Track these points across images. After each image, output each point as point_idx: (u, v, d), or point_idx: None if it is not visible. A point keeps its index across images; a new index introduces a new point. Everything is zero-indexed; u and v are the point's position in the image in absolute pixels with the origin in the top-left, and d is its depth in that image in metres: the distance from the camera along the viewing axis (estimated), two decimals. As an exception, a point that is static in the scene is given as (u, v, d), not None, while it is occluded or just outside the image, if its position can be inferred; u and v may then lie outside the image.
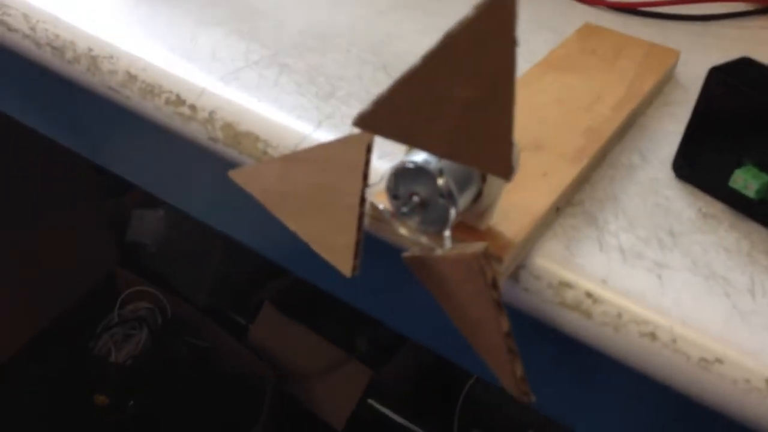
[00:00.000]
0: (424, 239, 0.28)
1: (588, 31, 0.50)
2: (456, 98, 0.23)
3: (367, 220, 0.30)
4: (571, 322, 0.32)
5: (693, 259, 0.33)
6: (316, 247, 0.27)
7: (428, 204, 0.27)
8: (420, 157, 0.27)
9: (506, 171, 0.23)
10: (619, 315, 0.31)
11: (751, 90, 0.34)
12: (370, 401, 1.28)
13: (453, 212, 0.27)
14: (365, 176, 0.27)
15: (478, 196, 0.29)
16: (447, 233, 0.27)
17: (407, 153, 0.28)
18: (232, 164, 0.40)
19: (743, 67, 0.36)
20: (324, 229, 0.27)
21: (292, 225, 0.28)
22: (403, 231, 0.28)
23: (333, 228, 0.27)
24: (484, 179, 0.28)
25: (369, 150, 0.26)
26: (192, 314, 1.36)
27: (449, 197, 0.26)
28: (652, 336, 0.30)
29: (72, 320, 1.38)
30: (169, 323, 1.39)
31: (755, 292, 0.32)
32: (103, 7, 0.46)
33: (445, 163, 0.27)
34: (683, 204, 0.37)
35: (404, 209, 0.27)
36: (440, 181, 0.26)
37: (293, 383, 1.31)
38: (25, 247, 1.27)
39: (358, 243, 0.26)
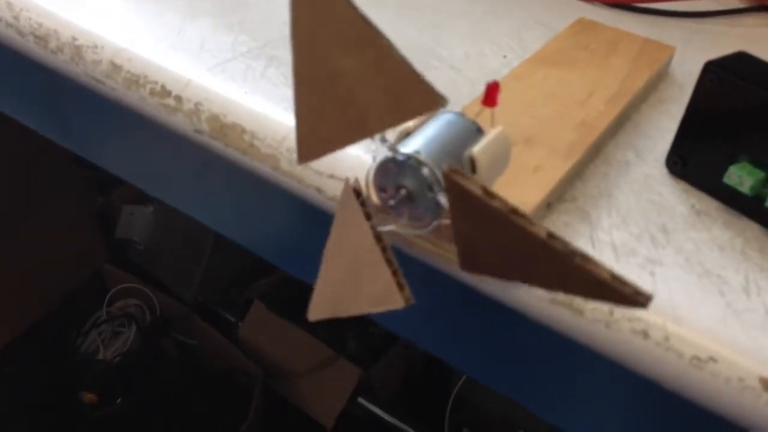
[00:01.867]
0: (415, 232, 0.27)
1: (581, 26, 0.49)
2: (344, 71, 0.22)
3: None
4: (562, 319, 0.31)
5: (686, 257, 0.33)
6: (374, 309, 0.26)
7: (416, 197, 0.26)
8: (408, 148, 0.26)
9: (435, 101, 0.22)
10: (611, 312, 0.30)
11: (747, 83, 0.34)
12: (361, 400, 1.27)
13: (444, 204, 0.26)
14: (367, 215, 0.26)
15: (468, 189, 0.28)
16: (437, 224, 0.27)
17: (396, 143, 0.27)
18: (219, 157, 0.39)
19: (739, 61, 0.36)
20: (368, 289, 0.26)
21: (351, 310, 0.27)
22: (392, 224, 0.27)
23: (371, 281, 0.26)
24: (473, 169, 0.27)
25: (358, 194, 0.26)
26: (181, 311, 1.35)
27: (436, 188, 0.25)
28: (645, 334, 0.30)
29: (60, 317, 1.36)
30: (157, 320, 1.38)
31: (749, 291, 0.31)
32: (90, 3, 0.45)
33: (431, 155, 0.26)
34: (677, 201, 0.36)
35: (392, 202, 0.26)
36: (425, 173, 0.25)
37: (282, 381, 1.30)
38: (12, 244, 1.25)
39: (396, 273, 0.25)
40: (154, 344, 1.33)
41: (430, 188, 0.26)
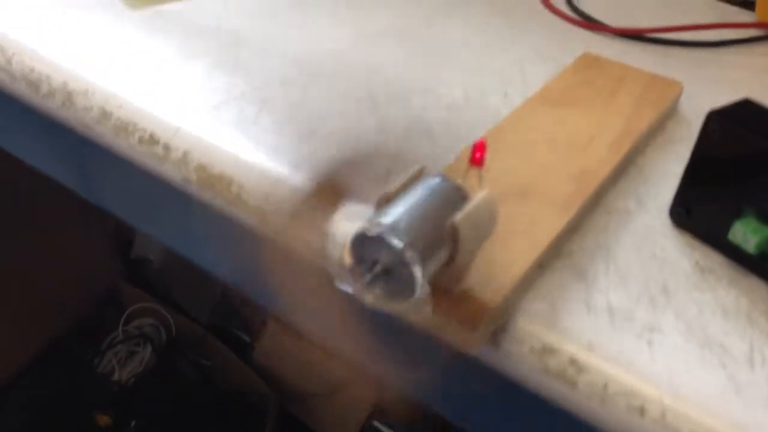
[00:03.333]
0: (392, 307, 0.26)
1: (586, 61, 0.48)
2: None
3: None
4: (555, 391, 0.30)
5: (687, 322, 0.31)
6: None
7: (393, 271, 0.25)
8: (386, 218, 0.25)
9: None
10: (606, 386, 0.29)
11: (751, 134, 0.32)
12: (376, 423, 1.26)
13: (419, 280, 0.25)
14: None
15: (451, 258, 0.27)
16: (417, 299, 0.25)
17: (376, 214, 0.26)
18: (210, 206, 0.38)
19: (744, 109, 0.34)
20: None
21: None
22: (369, 299, 0.26)
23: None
24: (456, 242, 0.26)
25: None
26: (196, 331, 1.35)
27: (413, 265, 0.24)
28: (641, 410, 0.28)
29: (76, 337, 1.36)
30: (173, 340, 1.37)
31: (754, 361, 0.29)
32: (83, 40, 0.45)
33: (409, 227, 0.25)
34: (680, 255, 0.34)
35: (366, 278, 0.25)
36: (401, 248, 0.24)
37: (297, 403, 1.29)
38: (29, 262, 1.26)
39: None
40: (169, 365, 1.32)
41: (406, 264, 0.24)
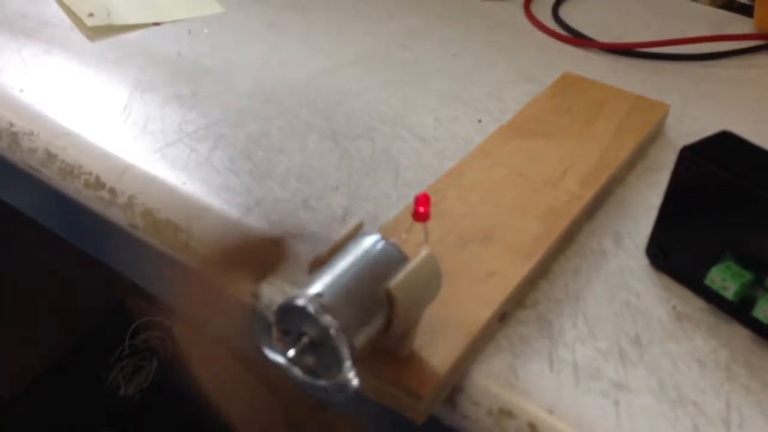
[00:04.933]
0: (322, 383, 0.24)
1: (566, 82, 0.45)
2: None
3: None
4: (513, 452, 0.28)
5: (659, 378, 0.28)
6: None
7: (321, 344, 0.23)
8: (312, 288, 0.23)
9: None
10: (565, 452, 0.26)
11: (727, 173, 0.29)
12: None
13: (347, 356, 0.22)
14: None
15: (389, 324, 0.24)
16: (347, 375, 0.23)
17: (303, 281, 0.24)
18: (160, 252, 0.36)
19: (721, 144, 0.31)
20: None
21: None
22: (295, 371, 0.24)
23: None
24: (393, 308, 0.24)
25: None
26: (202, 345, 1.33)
27: (337, 342, 0.22)
28: (604, 480, 0.26)
29: (83, 351, 1.36)
30: (179, 353, 1.36)
31: (730, 423, 0.27)
32: (34, 76, 0.43)
33: (336, 297, 0.23)
34: (655, 301, 0.32)
35: (291, 352, 0.23)
36: (325, 323, 0.22)
37: (303, 414, 1.27)
38: (36, 276, 1.25)
39: None
40: (175, 379, 1.31)
41: (332, 339, 0.22)
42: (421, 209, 0.26)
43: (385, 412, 0.31)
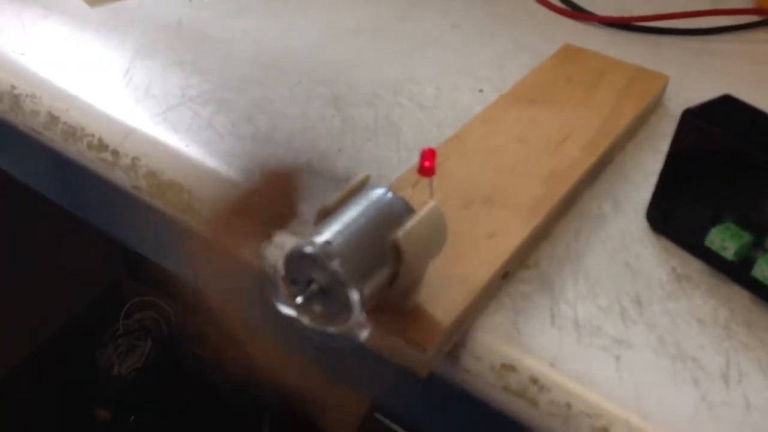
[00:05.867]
0: (331, 329, 0.24)
1: (567, 53, 0.45)
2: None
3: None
4: (516, 409, 0.28)
5: (659, 335, 0.29)
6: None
7: (329, 291, 0.23)
8: (321, 236, 0.23)
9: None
10: (569, 405, 0.27)
11: (729, 136, 0.30)
12: (378, 415, 1.24)
13: (356, 301, 0.23)
14: None
15: (395, 275, 0.25)
16: (356, 321, 0.23)
17: (312, 230, 0.24)
18: (164, 213, 0.36)
19: (723, 107, 0.32)
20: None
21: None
22: (307, 320, 0.24)
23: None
24: (399, 259, 0.24)
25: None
26: (196, 324, 1.34)
27: (347, 286, 0.22)
28: (605, 431, 0.26)
29: (77, 330, 1.36)
30: (173, 333, 1.37)
31: (729, 378, 0.27)
32: (35, 41, 0.43)
33: (345, 245, 0.23)
34: (656, 263, 0.32)
35: (299, 299, 0.23)
36: (335, 268, 0.22)
37: (298, 396, 1.28)
38: (30, 256, 1.25)
39: None
40: (170, 358, 1.32)
41: (342, 284, 0.23)
42: (427, 164, 0.26)
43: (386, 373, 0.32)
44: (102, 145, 0.36)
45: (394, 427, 1.24)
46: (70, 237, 1.31)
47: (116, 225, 0.46)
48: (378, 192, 0.25)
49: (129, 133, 0.36)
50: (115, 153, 0.36)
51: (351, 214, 0.24)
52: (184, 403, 1.25)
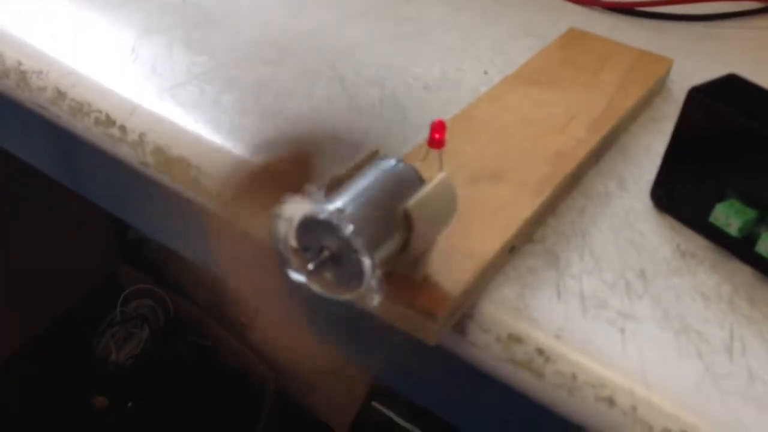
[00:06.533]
0: (344, 296, 0.24)
1: (572, 37, 0.46)
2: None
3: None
4: (522, 381, 0.28)
5: (664, 309, 0.29)
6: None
7: (341, 258, 0.24)
8: (333, 203, 0.23)
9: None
10: (574, 376, 0.27)
11: (735, 113, 0.30)
12: (375, 404, 1.25)
13: (368, 268, 0.23)
14: None
15: (406, 245, 0.25)
16: (368, 287, 0.24)
17: (326, 195, 0.24)
18: (170, 190, 0.37)
19: (728, 86, 0.32)
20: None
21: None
22: (317, 287, 0.24)
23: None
24: (410, 228, 0.24)
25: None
26: (194, 313, 1.34)
27: (360, 252, 0.23)
28: (610, 401, 0.27)
29: (74, 318, 1.36)
30: (171, 321, 1.37)
31: (733, 350, 0.28)
32: (40, 16, 0.43)
33: (357, 213, 0.23)
34: (660, 240, 0.33)
35: (311, 265, 0.23)
36: (348, 235, 0.22)
37: (295, 383, 1.28)
38: (27, 243, 1.25)
39: None
40: (167, 346, 1.32)
41: (354, 250, 0.23)
42: (437, 136, 0.27)
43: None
44: (109, 121, 0.36)
45: (391, 414, 1.25)
46: (68, 226, 1.31)
47: (120, 204, 0.46)
48: (389, 162, 0.26)
49: (135, 108, 0.37)
50: (123, 128, 0.36)
51: (362, 183, 0.25)
52: (181, 391, 1.25)
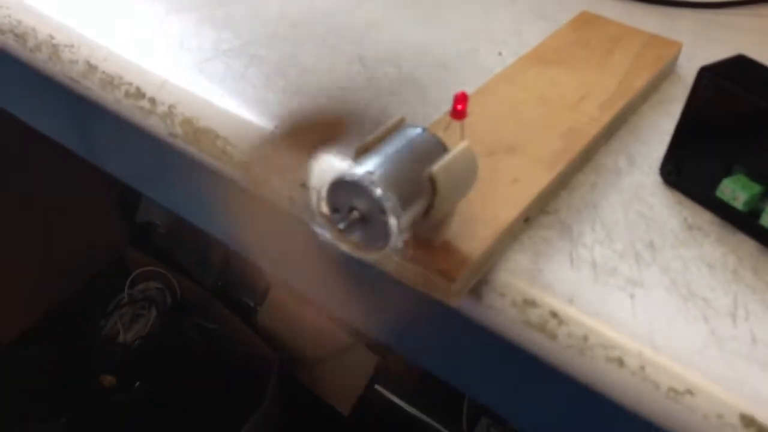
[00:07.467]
0: (370, 256, 0.26)
1: (584, 20, 0.47)
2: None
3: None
4: (535, 343, 0.30)
5: (671, 277, 0.31)
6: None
7: (369, 219, 0.25)
8: (361, 168, 0.25)
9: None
10: (585, 337, 0.29)
11: (744, 91, 0.31)
12: (378, 387, 1.27)
13: (395, 228, 0.24)
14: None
15: (429, 208, 0.26)
16: (393, 248, 0.25)
17: (355, 161, 0.26)
18: (197, 161, 0.38)
19: (737, 66, 0.33)
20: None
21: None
22: (344, 246, 0.26)
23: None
24: (434, 191, 0.26)
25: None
26: (201, 295, 1.35)
27: (389, 213, 0.24)
28: (620, 361, 0.28)
29: (82, 300, 1.38)
30: (178, 304, 1.38)
31: (737, 316, 0.29)
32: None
33: (385, 176, 0.25)
34: (668, 213, 0.34)
35: (341, 225, 0.25)
36: (378, 195, 0.24)
37: (300, 367, 1.30)
38: (35, 227, 1.26)
39: None
40: (174, 328, 1.33)
41: (383, 211, 0.24)
42: (459, 107, 0.28)
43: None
44: (139, 93, 0.38)
45: (393, 398, 1.27)
46: (77, 209, 1.33)
47: (141, 178, 0.48)
48: (415, 130, 0.27)
49: (165, 82, 0.38)
50: (152, 101, 0.37)
51: (390, 148, 0.26)
52: (187, 371, 1.27)
